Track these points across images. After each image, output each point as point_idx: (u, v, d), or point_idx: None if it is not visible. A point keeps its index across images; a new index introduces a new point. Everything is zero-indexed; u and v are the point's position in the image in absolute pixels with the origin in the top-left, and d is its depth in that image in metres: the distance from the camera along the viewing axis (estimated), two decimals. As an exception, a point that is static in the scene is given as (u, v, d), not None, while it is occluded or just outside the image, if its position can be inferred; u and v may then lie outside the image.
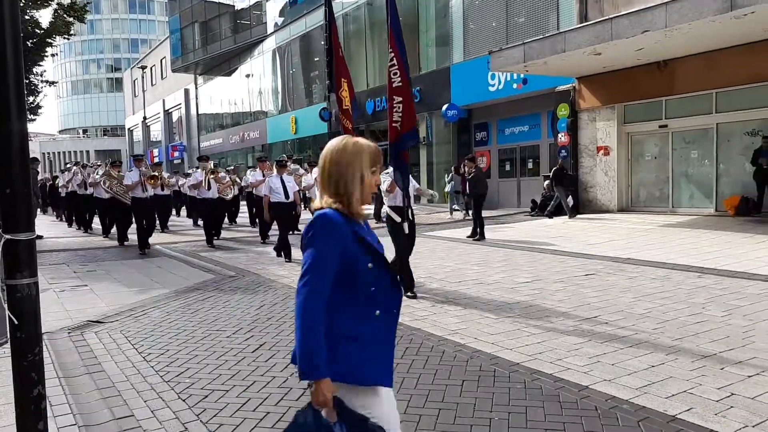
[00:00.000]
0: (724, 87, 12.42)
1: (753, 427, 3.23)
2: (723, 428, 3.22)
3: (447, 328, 5.32)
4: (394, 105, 6.77)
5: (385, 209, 6.95)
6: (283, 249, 9.81)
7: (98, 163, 16.99)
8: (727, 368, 4.10)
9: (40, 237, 14.26)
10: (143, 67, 47.72)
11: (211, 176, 12.26)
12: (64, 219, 20.05)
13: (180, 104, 45.54)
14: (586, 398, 3.69)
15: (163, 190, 14.93)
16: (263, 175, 11.67)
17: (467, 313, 5.84)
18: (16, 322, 2.38)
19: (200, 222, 15.34)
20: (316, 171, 12.42)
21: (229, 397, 3.93)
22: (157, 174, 11.71)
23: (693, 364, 4.20)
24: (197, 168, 12.88)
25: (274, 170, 10.98)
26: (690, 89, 12.90)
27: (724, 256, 8.34)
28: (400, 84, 6.81)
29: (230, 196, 14.06)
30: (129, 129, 60.20)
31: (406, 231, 6.53)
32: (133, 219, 11.70)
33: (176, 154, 44.86)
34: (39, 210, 28.80)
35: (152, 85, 50.46)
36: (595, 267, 8.15)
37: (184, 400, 3.89)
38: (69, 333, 5.62)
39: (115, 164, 13.13)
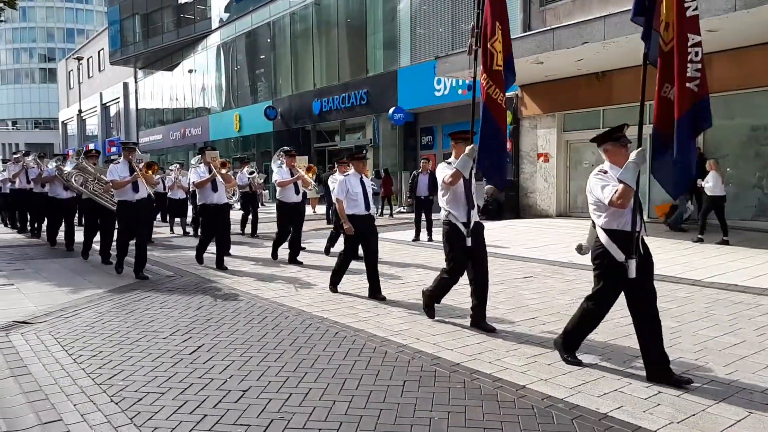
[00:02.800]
0: (714, 92, 12.95)
1: (678, 423, 3.39)
2: (650, 425, 3.36)
3: (390, 329, 5.34)
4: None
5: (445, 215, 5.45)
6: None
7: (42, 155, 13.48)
8: (655, 367, 4.27)
9: (-38, 233, 13.43)
10: (79, 59, 45.83)
11: (223, 171, 8.79)
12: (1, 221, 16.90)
13: (118, 98, 43.98)
14: (523, 397, 3.78)
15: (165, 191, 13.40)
16: (291, 174, 9.33)
17: (410, 315, 5.88)
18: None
19: (184, 229, 13.72)
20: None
21: (164, 399, 3.81)
22: (154, 163, 8.72)
23: (624, 363, 4.37)
24: (199, 162, 9.22)
25: (341, 169, 8.65)
26: (626, 100, 13.41)
27: (654, 260, 8.69)
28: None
29: (236, 200, 11.32)
30: (63, 122, 57.68)
31: (469, 244, 5.29)
32: (116, 230, 8.55)
33: (113, 149, 43.29)
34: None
35: (89, 77, 48.54)
36: (534, 270, 8.36)
37: (116, 404, 3.76)
38: (-7, 334, 5.33)
39: (91, 155, 10.25)
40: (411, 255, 10.00)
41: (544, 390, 3.88)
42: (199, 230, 9.65)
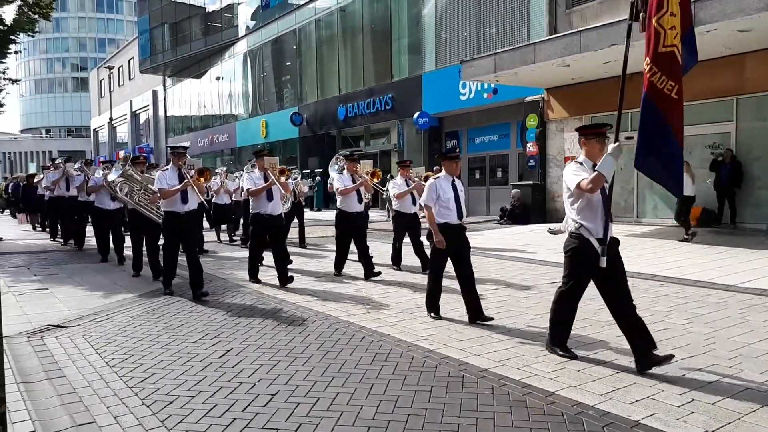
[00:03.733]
0: (686, 101, 12.67)
1: (713, 431, 3.31)
2: (684, 433, 3.29)
3: (416, 335, 5.33)
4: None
5: (570, 226, 4.62)
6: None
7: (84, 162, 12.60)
8: (688, 375, 4.19)
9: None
10: (110, 68, 46.87)
11: (282, 179, 8.06)
12: (39, 228, 16.84)
13: (148, 105, 44.79)
14: (552, 404, 3.73)
15: (210, 196, 11.87)
16: (353, 180, 8.45)
17: (436, 320, 5.85)
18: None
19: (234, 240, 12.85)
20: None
21: (194, 403, 3.86)
22: (207, 169, 7.72)
23: (656, 370, 4.29)
24: (253, 167, 8.60)
25: (403, 173, 8.73)
26: (654, 102, 13.24)
27: (686, 265, 8.54)
28: None
29: (287, 209, 9.94)
30: (94, 130, 58.95)
31: (603, 264, 4.39)
32: (162, 244, 7.62)
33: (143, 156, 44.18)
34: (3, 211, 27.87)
35: (119, 85, 49.56)
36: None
37: (148, 406, 3.81)
38: (28, 337, 5.47)
39: (139, 161, 9.13)
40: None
41: (573, 396, 3.83)
42: (249, 243, 8.47)
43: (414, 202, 8.65)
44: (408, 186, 8.65)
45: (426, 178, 8.63)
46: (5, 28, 15.24)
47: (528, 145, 16.16)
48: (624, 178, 14.67)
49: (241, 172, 12.31)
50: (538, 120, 15.84)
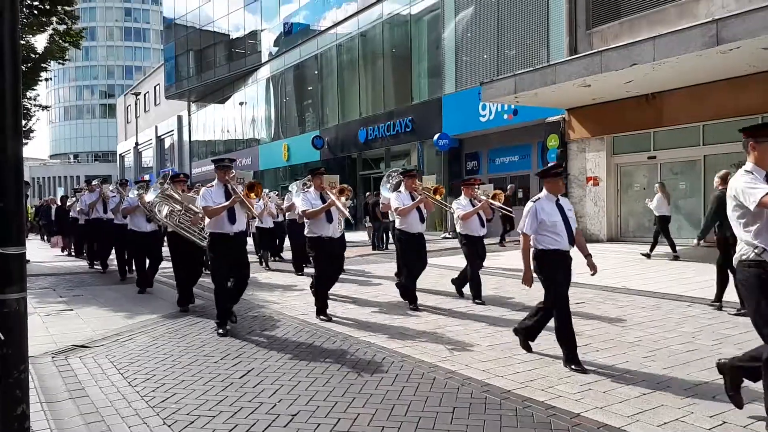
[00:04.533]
0: (711, 120, 12.62)
1: (746, 455, 3.20)
2: (716, 457, 3.18)
3: (438, 355, 5.27)
4: None
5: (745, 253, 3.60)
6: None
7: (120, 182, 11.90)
8: (718, 396, 4.07)
9: (27, 261, 14.10)
10: (137, 94, 47.98)
11: (342, 200, 7.47)
12: (72, 252, 16.32)
13: (173, 131, 45.63)
14: (577, 426, 3.65)
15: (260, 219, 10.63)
16: (412, 198, 7.66)
17: (458, 340, 5.80)
18: (2, 338, 2.34)
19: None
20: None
21: (215, 422, 3.85)
22: (258, 183, 6.69)
23: (684, 392, 4.18)
24: (307, 187, 7.84)
25: (467, 192, 8.09)
26: (678, 122, 13.10)
27: (712, 286, 8.34)
28: None
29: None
30: (120, 155, 60.17)
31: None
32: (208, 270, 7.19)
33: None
34: (33, 233, 28.40)
35: (145, 111, 50.65)
36: (586, 296, 8.14)
37: (169, 426, 3.82)
38: (53, 357, 5.52)
39: (179, 179, 8.31)
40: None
41: (599, 418, 3.74)
42: (314, 277, 7.27)
43: (483, 224, 8.01)
44: (473, 206, 7.92)
45: (494, 197, 8.38)
46: (37, 56, 15.76)
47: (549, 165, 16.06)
48: (648, 199, 14.50)
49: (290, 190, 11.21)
50: (559, 140, 15.76)
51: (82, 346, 5.92)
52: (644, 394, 4.17)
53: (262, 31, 33.01)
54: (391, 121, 22.55)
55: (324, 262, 7.03)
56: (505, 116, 17.45)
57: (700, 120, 12.78)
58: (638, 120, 13.77)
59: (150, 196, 8.15)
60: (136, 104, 48.69)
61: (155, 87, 47.73)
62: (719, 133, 12.77)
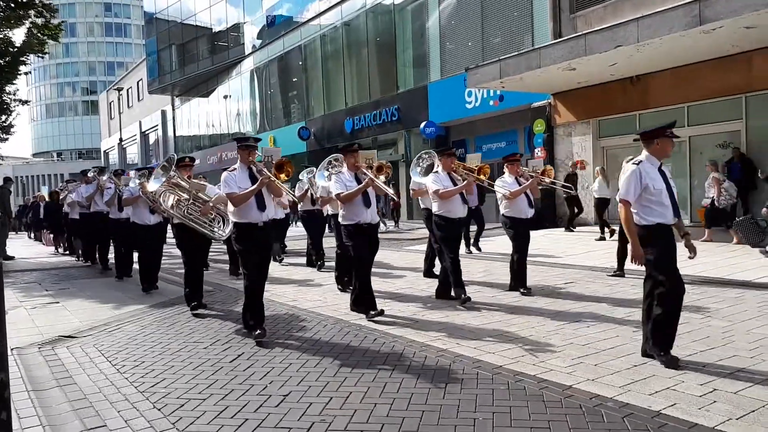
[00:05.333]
0: (695, 101, 12.68)
1: (737, 419, 3.22)
2: (707, 422, 3.20)
3: (429, 335, 5.26)
4: None
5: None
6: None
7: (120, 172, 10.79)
8: (708, 366, 4.10)
9: (11, 258, 13.91)
10: (119, 89, 47.38)
11: (381, 179, 6.37)
12: (65, 250, 15.23)
13: (157, 126, 45.17)
14: (570, 397, 3.65)
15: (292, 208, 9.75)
16: (451, 180, 6.80)
17: (449, 321, 5.79)
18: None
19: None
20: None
21: (206, 405, 3.81)
22: (288, 161, 5.74)
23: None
24: (336, 162, 7.55)
25: (511, 169, 7.35)
26: (662, 103, 13.15)
27: (700, 263, 8.40)
28: None
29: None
30: (105, 151, 59.49)
31: None
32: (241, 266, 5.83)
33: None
34: (17, 232, 27.99)
35: (129, 107, 50.07)
36: (575, 276, 8.17)
37: (159, 410, 3.77)
38: (39, 348, 5.44)
39: (185, 164, 7.03)
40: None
41: (591, 389, 3.74)
42: (354, 269, 6.47)
43: (530, 204, 7.25)
44: (454, 183, 6.80)
45: (543, 173, 7.65)
46: (15, 50, 15.48)
47: (536, 150, 16.09)
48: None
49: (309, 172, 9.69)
50: (546, 125, 15.79)
51: (69, 337, 5.85)
52: (635, 365, 4.18)
53: (244, 23, 32.70)
54: (377, 111, 22.46)
55: (363, 251, 6.14)
56: (491, 102, 17.43)
57: (685, 101, 12.84)
58: (623, 103, 13.81)
59: (153, 185, 6.92)
60: (119, 100, 48.06)
61: (138, 82, 47.20)
62: (703, 114, 12.85)
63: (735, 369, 3.97)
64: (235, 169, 5.68)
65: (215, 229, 6.62)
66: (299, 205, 9.86)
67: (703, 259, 8.77)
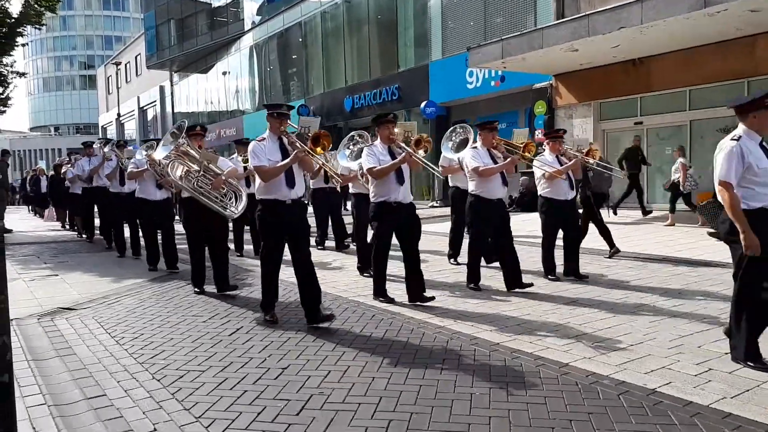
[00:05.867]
0: (697, 84, 12.63)
1: (731, 398, 3.25)
2: (702, 400, 3.23)
3: (427, 312, 5.29)
4: None
5: None
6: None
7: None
8: (704, 346, 4.14)
9: (9, 231, 13.90)
10: (117, 64, 46.94)
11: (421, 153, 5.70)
12: (68, 226, 14.52)
13: (155, 101, 44.89)
14: (566, 374, 3.69)
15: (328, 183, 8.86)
16: (491, 158, 6.31)
17: (447, 299, 5.81)
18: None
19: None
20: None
21: (205, 377, 3.84)
22: (326, 134, 5.21)
23: (671, 343, 4.24)
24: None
25: (553, 147, 6.71)
26: (664, 86, 13.09)
27: (698, 247, 8.45)
28: None
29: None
30: (102, 127, 59.16)
31: None
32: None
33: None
34: (17, 205, 27.90)
35: (127, 82, 49.67)
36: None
37: (158, 380, 3.80)
38: (39, 319, 5.46)
39: (196, 132, 6.39)
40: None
41: (588, 367, 3.78)
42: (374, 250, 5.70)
43: (572, 185, 6.69)
44: (495, 161, 6.25)
45: (588, 153, 7.06)
46: (12, 21, 15.28)
47: (536, 132, 16.04)
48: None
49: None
50: (547, 107, 15.72)
51: (69, 309, 5.87)
52: (631, 345, 4.22)
53: (244, -2, 32.35)
54: (377, 89, 22.31)
55: (387, 234, 5.59)
56: (493, 83, 17.32)
57: (687, 85, 12.79)
58: (625, 85, 13.74)
59: (161, 153, 6.29)
60: (117, 75, 47.69)
61: (136, 57, 46.76)
62: (705, 98, 12.80)
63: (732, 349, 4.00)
64: (263, 139, 5.12)
65: (228, 206, 6.08)
66: (310, 182, 9.08)
67: (701, 243, 8.81)
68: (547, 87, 15.69)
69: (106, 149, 10.04)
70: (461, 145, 6.96)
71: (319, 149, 5.03)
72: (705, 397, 3.27)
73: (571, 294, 5.91)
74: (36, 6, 15.57)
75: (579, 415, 3.11)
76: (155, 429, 3.12)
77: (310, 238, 5.38)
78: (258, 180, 5.09)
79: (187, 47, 36.59)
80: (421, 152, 5.68)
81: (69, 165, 12.54)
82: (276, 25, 29.16)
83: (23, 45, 18.44)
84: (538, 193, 6.84)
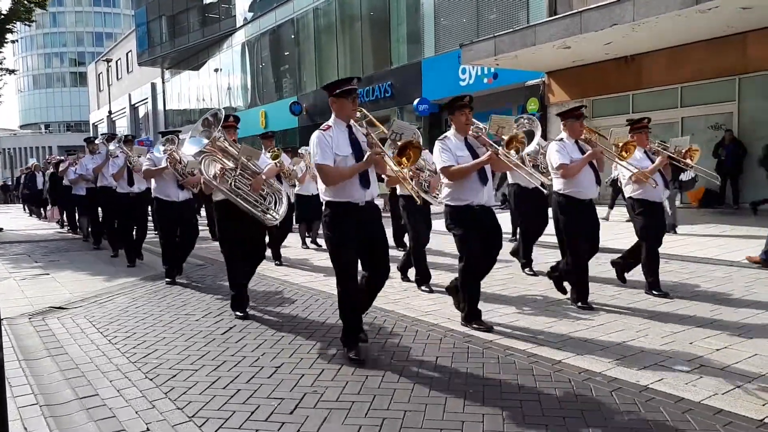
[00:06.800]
0: (689, 81, 12.68)
1: (723, 394, 3.27)
2: (694, 396, 3.25)
3: (420, 310, 5.29)
4: None
5: None
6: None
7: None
8: (696, 342, 4.16)
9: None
10: (108, 61, 46.65)
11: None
12: (70, 228, 13.24)
13: (147, 99, 44.65)
14: (559, 372, 3.70)
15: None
16: (579, 148, 5.38)
17: (440, 296, 5.81)
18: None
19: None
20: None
21: (198, 376, 3.83)
22: (413, 145, 4.03)
23: (663, 339, 4.26)
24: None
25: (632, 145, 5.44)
26: (656, 83, 13.15)
27: (690, 244, 8.50)
28: None
29: None
30: (93, 124, 58.80)
31: None
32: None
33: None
34: (8, 203, 27.61)
35: (118, 79, 49.37)
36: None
37: (151, 380, 3.78)
38: (30, 318, 5.43)
39: (230, 124, 5.57)
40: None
41: (580, 364, 3.79)
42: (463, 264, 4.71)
43: (666, 184, 5.80)
44: (651, 161, 5.59)
45: (686, 154, 5.93)
46: (1, 17, 15.15)
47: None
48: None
49: None
50: (539, 104, 15.74)
51: (60, 308, 5.83)
52: (624, 342, 4.22)
53: (236, -6, 32.20)
54: (369, 86, 22.27)
55: (475, 247, 4.60)
56: (485, 80, 17.34)
57: (678, 82, 12.84)
58: (617, 82, 13.79)
59: (191, 149, 5.13)
60: (107, 72, 47.35)
61: (127, 54, 46.50)
62: (696, 95, 12.86)
63: (723, 345, 4.03)
64: (329, 127, 4.07)
65: (270, 211, 5.10)
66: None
67: (693, 240, 8.86)
68: (540, 84, 15.71)
69: (111, 146, 9.06)
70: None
71: (404, 160, 3.93)
72: (696, 393, 3.29)
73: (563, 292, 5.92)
74: (26, 2, 15.45)
75: (572, 412, 3.12)
76: (148, 428, 3.11)
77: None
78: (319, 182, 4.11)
79: (179, 44, 36.43)
80: (512, 153, 4.82)
81: (69, 164, 11.91)
82: (268, 21, 29.06)
83: (13, 42, 18.29)
84: (626, 195, 5.84)
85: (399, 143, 4.03)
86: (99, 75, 53.80)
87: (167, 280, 6.92)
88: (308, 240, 9.73)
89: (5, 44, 16.46)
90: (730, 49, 11.71)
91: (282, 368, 3.90)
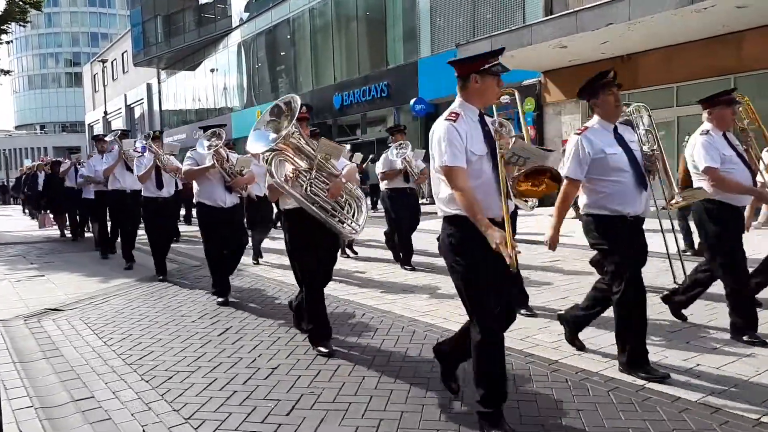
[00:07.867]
0: (684, 81, 12.70)
1: (719, 394, 3.27)
2: (690, 395, 3.25)
3: (417, 310, 5.29)
4: None
5: None
6: None
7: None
8: (693, 342, 4.16)
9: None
10: (104, 61, 46.55)
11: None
12: (71, 234, 12.04)
13: (142, 99, 44.55)
14: (556, 371, 3.70)
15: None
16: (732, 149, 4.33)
17: (437, 297, 5.82)
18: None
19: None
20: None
21: (194, 377, 3.82)
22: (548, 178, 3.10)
23: (660, 338, 4.26)
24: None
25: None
26: (652, 83, 13.16)
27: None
28: None
29: None
30: (89, 125, 58.64)
31: None
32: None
33: (139, 149, 43.93)
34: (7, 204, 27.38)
35: (113, 79, 49.25)
36: (563, 254, 8.22)
37: (147, 382, 3.77)
38: (25, 320, 5.41)
39: (303, 115, 4.24)
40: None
41: (577, 364, 3.79)
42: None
43: (754, 184, 4.37)
44: (741, 154, 4.34)
45: None
46: (-4, 18, 15.12)
47: (528, 129, 16.08)
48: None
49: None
50: (535, 104, 15.76)
51: (55, 310, 5.81)
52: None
53: (232, -6, 32.16)
54: (366, 86, 22.28)
55: (633, 265, 3.65)
56: (481, 80, 17.33)
57: (674, 81, 12.86)
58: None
59: (258, 146, 4.14)
60: (103, 72, 47.21)
61: (123, 54, 46.37)
62: (691, 94, 12.87)
63: (719, 345, 4.03)
64: (458, 115, 3.00)
65: (349, 221, 4.21)
66: (383, 183, 7.73)
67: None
68: (536, 84, 15.73)
69: (136, 143, 7.95)
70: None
71: (524, 187, 3.04)
72: (693, 392, 3.29)
73: (562, 291, 5.93)
74: (20, 3, 15.39)
75: (569, 412, 3.12)
76: (144, 431, 3.09)
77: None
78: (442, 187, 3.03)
79: (175, 44, 36.35)
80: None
81: (71, 165, 11.43)
82: (264, 21, 29.03)
83: (8, 42, 18.21)
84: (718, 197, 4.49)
85: (523, 167, 3.00)
86: (94, 75, 53.63)
87: (219, 300, 5.85)
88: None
89: (0, 45, 16.41)
90: (725, 49, 11.73)
91: (278, 369, 3.89)
